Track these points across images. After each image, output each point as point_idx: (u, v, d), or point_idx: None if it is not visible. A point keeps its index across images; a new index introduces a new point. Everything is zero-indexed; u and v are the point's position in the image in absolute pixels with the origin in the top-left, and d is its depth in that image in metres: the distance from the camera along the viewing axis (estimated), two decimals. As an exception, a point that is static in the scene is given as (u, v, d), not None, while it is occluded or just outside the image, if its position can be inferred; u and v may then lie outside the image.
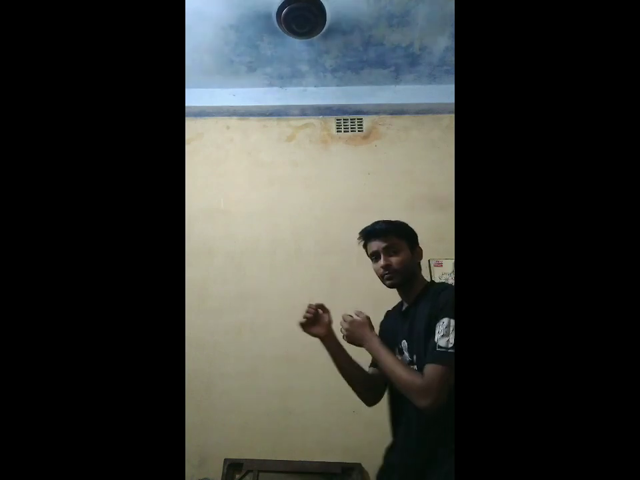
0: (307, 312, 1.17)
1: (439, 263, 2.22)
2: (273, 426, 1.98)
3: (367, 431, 1.90)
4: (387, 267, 1.10)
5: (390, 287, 1.13)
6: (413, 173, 2.50)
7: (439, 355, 0.94)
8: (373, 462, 1.88)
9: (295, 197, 2.46)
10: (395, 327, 1.15)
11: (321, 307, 1.19)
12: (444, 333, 0.95)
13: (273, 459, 1.91)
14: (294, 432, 1.97)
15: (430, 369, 0.94)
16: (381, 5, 2.07)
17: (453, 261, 2.13)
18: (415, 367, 1.02)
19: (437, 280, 2.17)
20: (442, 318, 0.97)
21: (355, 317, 1.13)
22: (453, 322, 0.95)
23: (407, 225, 1.18)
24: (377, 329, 1.17)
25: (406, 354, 1.08)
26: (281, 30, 2.15)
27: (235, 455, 1.92)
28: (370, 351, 1.08)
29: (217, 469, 1.89)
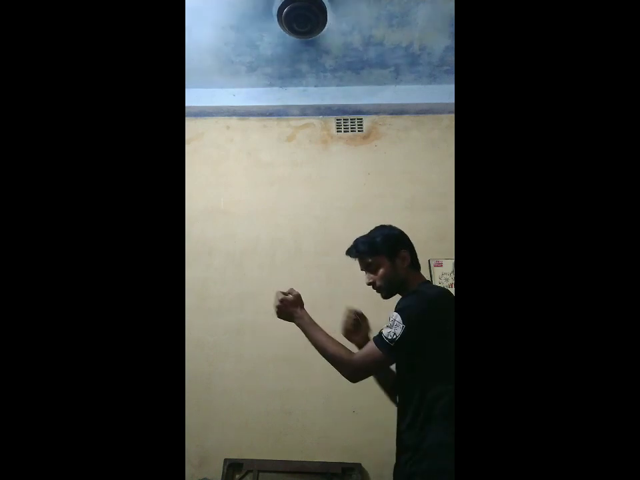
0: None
1: (439, 262, 2.22)
2: (273, 426, 1.98)
3: (366, 430, 1.90)
4: (371, 284, 1.17)
5: (384, 298, 1.20)
6: (413, 172, 2.49)
7: (377, 339, 1.04)
8: (373, 462, 1.89)
9: (294, 197, 2.46)
10: None
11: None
12: (389, 325, 1.03)
13: (273, 458, 1.90)
14: (294, 432, 1.97)
15: (366, 346, 1.07)
16: (381, 4, 2.07)
17: (453, 260, 2.13)
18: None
19: (436, 280, 2.17)
20: (395, 311, 1.05)
21: (287, 295, 1.17)
22: (399, 318, 1.02)
23: (384, 235, 1.18)
24: None
25: None
26: (281, 29, 2.15)
27: (235, 455, 1.92)
28: (300, 326, 1.14)
29: (217, 469, 1.88)
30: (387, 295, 1.17)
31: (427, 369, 1.03)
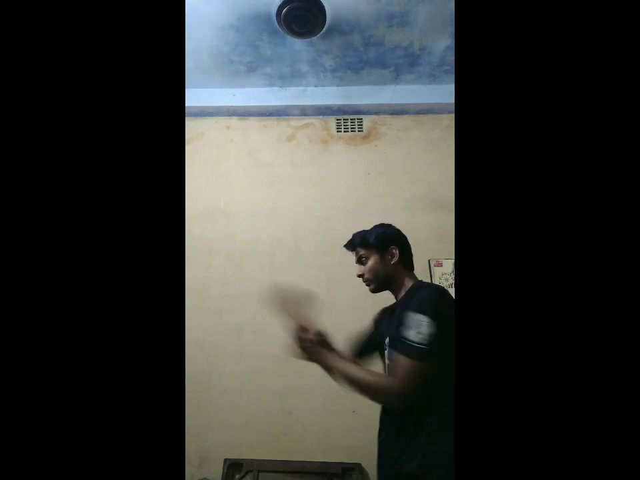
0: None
1: (439, 262, 2.22)
2: (273, 426, 1.98)
3: (366, 431, 1.88)
4: (360, 276, 1.21)
5: (372, 292, 1.20)
6: (413, 172, 2.50)
7: (405, 347, 0.95)
8: (373, 462, 1.88)
9: (294, 197, 2.46)
10: (385, 325, 1.19)
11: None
12: (412, 326, 0.96)
13: (273, 458, 1.91)
14: (294, 432, 1.97)
15: (398, 361, 0.95)
16: (381, 4, 2.07)
17: (453, 260, 2.13)
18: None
19: (436, 279, 2.17)
20: (413, 312, 0.98)
21: (308, 336, 1.11)
22: (424, 318, 0.95)
23: (379, 231, 1.22)
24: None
25: (389, 349, 1.09)
26: (280, 30, 2.15)
27: (235, 455, 1.92)
28: (328, 369, 1.07)
29: (217, 469, 1.89)
30: (374, 288, 1.19)
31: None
